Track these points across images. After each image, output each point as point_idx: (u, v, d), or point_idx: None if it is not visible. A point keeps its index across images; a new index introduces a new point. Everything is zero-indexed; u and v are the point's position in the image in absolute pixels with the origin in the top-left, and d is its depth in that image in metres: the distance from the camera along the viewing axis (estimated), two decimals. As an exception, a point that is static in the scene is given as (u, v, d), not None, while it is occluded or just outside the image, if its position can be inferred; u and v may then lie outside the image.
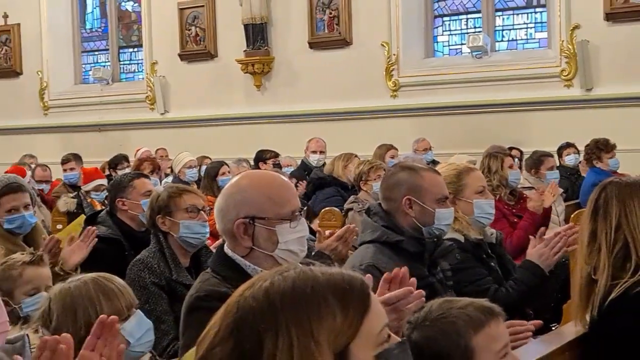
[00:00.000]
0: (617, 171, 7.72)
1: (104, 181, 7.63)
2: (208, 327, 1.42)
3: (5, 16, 13.59)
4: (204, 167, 8.40)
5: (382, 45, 10.87)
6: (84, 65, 13.71)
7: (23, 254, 3.21)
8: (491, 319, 2.13)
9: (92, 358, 1.79)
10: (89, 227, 4.29)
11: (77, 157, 9.04)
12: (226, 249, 2.62)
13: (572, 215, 5.99)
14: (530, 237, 3.84)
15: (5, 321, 1.96)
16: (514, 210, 5.99)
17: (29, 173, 9.35)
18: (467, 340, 2.07)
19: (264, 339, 1.33)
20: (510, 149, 8.41)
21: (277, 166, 8.62)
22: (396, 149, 8.85)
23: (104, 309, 2.43)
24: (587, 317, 2.83)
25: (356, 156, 7.81)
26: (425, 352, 2.03)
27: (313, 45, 11.27)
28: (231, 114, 11.75)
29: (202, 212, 3.99)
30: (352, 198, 6.61)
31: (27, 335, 2.09)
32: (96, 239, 4.16)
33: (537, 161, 7.04)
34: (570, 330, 2.92)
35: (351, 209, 6.42)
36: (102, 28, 13.54)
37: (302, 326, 1.34)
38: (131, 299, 2.55)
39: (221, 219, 2.59)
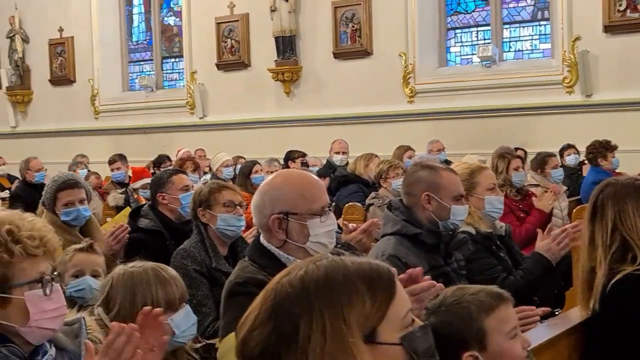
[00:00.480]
0: (616, 170, 7.67)
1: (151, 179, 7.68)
2: (248, 311, 1.42)
3: (61, 30, 13.70)
4: (238, 166, 8.43)
5: (400, 55, 10.84)
6: (130, 74, 13.78)
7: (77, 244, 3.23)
8: (501, 303, 2.13)
9: (139, 345, 1.78)
10: (123, 224, 4.28)
11: (122, 157, 9.11)
12: (262, 240, 2.61)
13: (574, 210, 5.97)
14: (539, 231, 3.82)
15: (64, 305, 1.97)
16: (520, 206, 5.98)
17: (84, 171, 9.44)
18: (479, 322, 2.07)
19: (300, 322, 1.33)
20: (516, 149, 8.36)
21: (305, 165, 8.63)
22: (413, 150, 8.84)
23: (159, 296, 2.43)
24: (590, 304, 2.81)
25: (376, 156, 7.78)
26: (442, 335, 2.01)
27: (337, 55, 11.26)
28: (263, 118, 11.77)
29: (238, 207, 4.00)
30: (373, 194, 6.60)
31: (84, 318, 2.10)
32: (129, 235, 4.14)
33: (541, 162, 6.98)
34: (575, 315, 2.90)
35: (372, 204, 6.41)
36: (147, 40, 13.61)
37: (334, 310, 1.33)
38: (183, 292, 2.55)
39: (258, 214, 2.59)
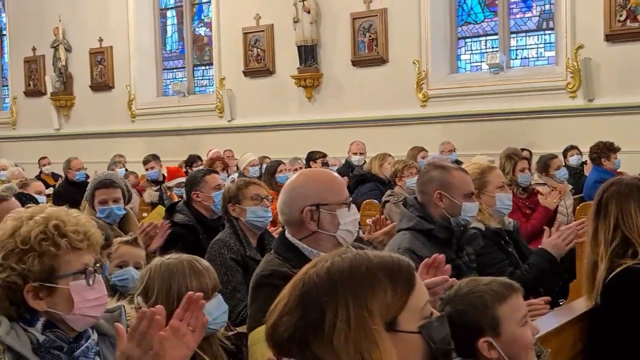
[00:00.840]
0: (617, 170, 7.61)
1: (184, 179, 7.71)
2: (277, 299, 1.41)
3: (101, 40, 13.78)
4: (264, 166, 8.43)
5: (414, 62, 10.80)
6: (164, 81, 13.84)
7: (123, 237, 3.25)
8: (512, 293, 2.11)
9: (181, 327, 1.78)
10: (164, 220, 4.30)
11: (155, 158, 9.15)
12: (287, 234, 2.62)
13: (577, 207, 5.93)
14: (545, 228, 3.79)
15: (105, 294, 1.97)
16: (526, 203, 5.94)
17: (121, 170, 9.50)
18: (494, 310, 2.06)
19: (326, 310, 1.33)
20: (522, 150, 8.30)
21: (325, 165, 8.62)
22: (426, 151, 8.80)
23: (193, 286, 2.42)
24: (594, 295, 2.79)
25: (390, 156, 7.73)
26: (457, 323, 2.01)
27: (355, 63, 11.24)
28: (286, 121, 11.78)
29: (265, 199, 4.02)
30: (388, 192, 6.59)
31: (123, 305, 2.10)
32: (169, 231, 4.16)
33: (545, 164, 6.90)
34: (580, 304, 2.88)
35: (388, 201, 6.40)
36: (180, 49, 13.66)
37: (358, 299, 1.33)
38: (216, 282, 2.55)
39: (287, 210, 2.60)
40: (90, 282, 1.89)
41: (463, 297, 2.10)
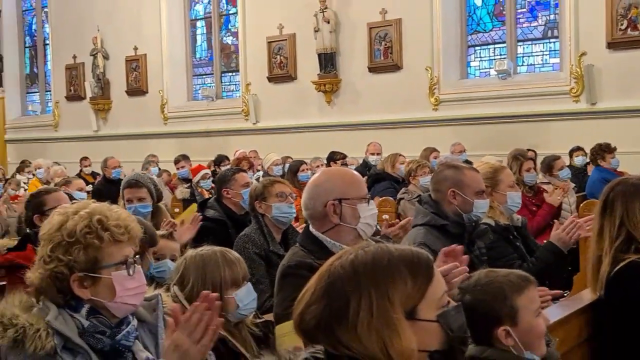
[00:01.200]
0: (617, 169, 7.55)
1: (207, 170, 7.76)
2: (305, 289, 1.41)
3: (135, 48, 13.86)
4: (286, 165, 8.45)
5: (426, 69, 10.76)
6: (194, 86, 13.86)
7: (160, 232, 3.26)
8: (529, 285, 2.09)
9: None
10: (197, 213, 4.31)
11: (185, 157, 9.20)
12: (311, 229, 2.62)
13: (581, 205, 5.88)
14: (555, 221, 3.76)
15: (144, 284, 1.98)
16: (533, 201, 5.90)
17: (155, 169, 9.56)
18: (512, 301, 2.04)
19: (350, 299, 1.33)
20: (528, 150, 8.25)
21: (345, 165, 8.61)
22: (438, 151, 8.76)
23: (226, 275, 2.44)
24: (597, 288, 2.76)
25: (401, 155, 7.68)
26: (477, 312, 2.00)
27: (372, 69, 11.21)
28: (307, 124, 11.77)
29: (289, 197, 4.01)
30: (403, 190, 6.58)
31: (160, 294, 2.11)
32: (201, 223, 4.17)
33: (548, 166, 6.85)
34: (585, 296, 2.86)
35: (402, 198, 6.39)
36: (208, 57, 13.69)
37: (380, 289, 1.33)
38: (246, 271, 2.55)
39: (311, 205, 2.60)
40: (131, 272, 1.91)
41: (483, 287, 2.08)
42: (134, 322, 1.97)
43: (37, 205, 3.79)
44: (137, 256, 1.96)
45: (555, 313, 2.61)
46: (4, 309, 1.85)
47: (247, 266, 3.20)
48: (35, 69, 16.48)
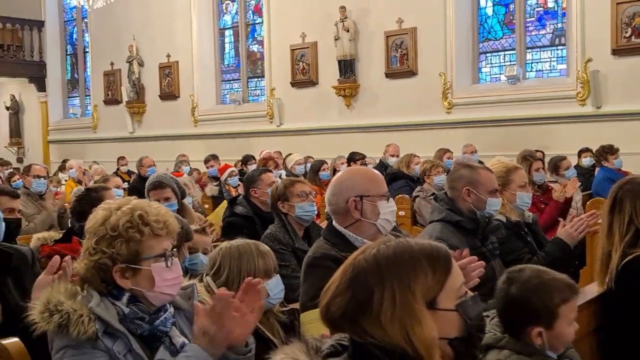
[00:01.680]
0: (621, 169, 7.47)
1: (233, 168, 7.77)
2: (330, 281, 1.41)
3: (168, 55, 13.95)
4: (308, 165, 8.45)
5: (440, 75, 10.71)
6: (222, 91, 13.91)
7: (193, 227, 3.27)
8: (574, 295, 2.05)
9: (241, 308, 1.80)
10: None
11: (214, 157, 9.22)
12: (334, 223, 2.63)
13: (587, 203, 5.82)
14: (560, 219, 3.73)
15: (181, 275, 2.00)
16: (541, 199, 5.84)
17: (187, 168, 9.60)
18: (556, 307, 2.00)
19: (374, 291, 1.33)
20: (536, 151, 8.19)
21: (364, 164, 8.59)
22: (451, 152, 8.68)
23: (260, 265, 2.45)
24: (606, 281, 2.74)
25: (416, 156, 7.63)
26: (520, 307, 1.98)
27: (388, 75, 11.19)
28: (328, 126, 11.77)
29: (310, 195, 3.99)
30: (418, 188, 6.55)
31: (195, 284, 2.12)
32: (230, 218, 4.13)
33: (555, 166, 6.79)
34: (593, 289, 2.83)
35: (418, 196, 6.36)
36: (236, 63, 13.73)
37: (402, 282, 1.33)
38: (275, 264, 2.56)
39: (334, 200, 2.61)
40: (169, 264, 1.92)
41: (533, 287, 2.02)
42: (171, 309, 1.98)
43: (97, 200, 3.81)
44: (174, 249, 1.97)
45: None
46: (50, 295, 1.87)
47: (280, 260, 3.19)
48: (75, 75, 16.65)
